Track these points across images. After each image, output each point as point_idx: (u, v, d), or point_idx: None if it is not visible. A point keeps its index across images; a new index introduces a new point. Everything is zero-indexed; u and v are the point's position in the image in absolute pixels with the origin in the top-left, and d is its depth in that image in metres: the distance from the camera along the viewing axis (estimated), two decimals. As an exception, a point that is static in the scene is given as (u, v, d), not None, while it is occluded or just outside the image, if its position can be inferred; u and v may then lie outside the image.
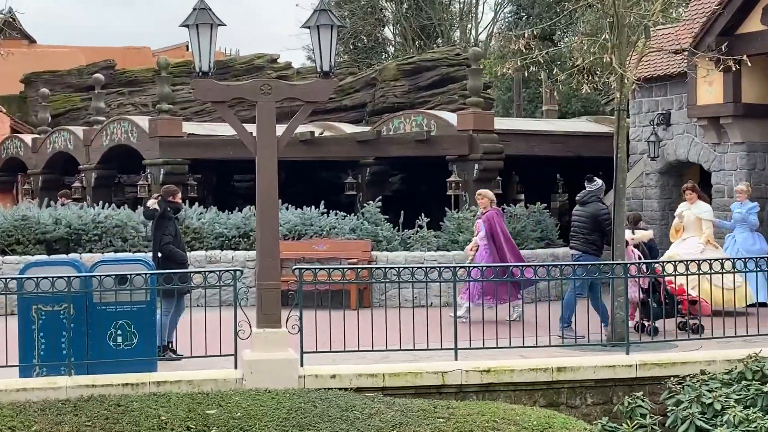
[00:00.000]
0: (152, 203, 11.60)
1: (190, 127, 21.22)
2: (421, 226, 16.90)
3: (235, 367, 9.36)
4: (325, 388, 9.05)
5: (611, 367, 9.98)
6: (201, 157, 20.28)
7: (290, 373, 9.23)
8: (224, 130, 19.69)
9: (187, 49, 38.29)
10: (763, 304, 13.50)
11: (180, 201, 11.70)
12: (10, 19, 20.89)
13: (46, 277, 9.12)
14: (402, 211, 17.21)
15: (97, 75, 24.90)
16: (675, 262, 11.10)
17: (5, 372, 9.19)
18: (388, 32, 41.83)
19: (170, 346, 10.75)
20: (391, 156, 20.47)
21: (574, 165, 20.82)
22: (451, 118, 19.46)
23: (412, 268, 10.15)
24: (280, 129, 9.74)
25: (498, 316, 11.10)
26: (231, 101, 10.09)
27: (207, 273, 10.09)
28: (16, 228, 16.13)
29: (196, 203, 18.16)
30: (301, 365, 9.43)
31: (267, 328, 9.36)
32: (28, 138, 26.33)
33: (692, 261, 11.03)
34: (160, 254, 11.13)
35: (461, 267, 10.58)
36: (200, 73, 9.61)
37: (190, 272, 10.01)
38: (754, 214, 14.68)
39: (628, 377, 9.97)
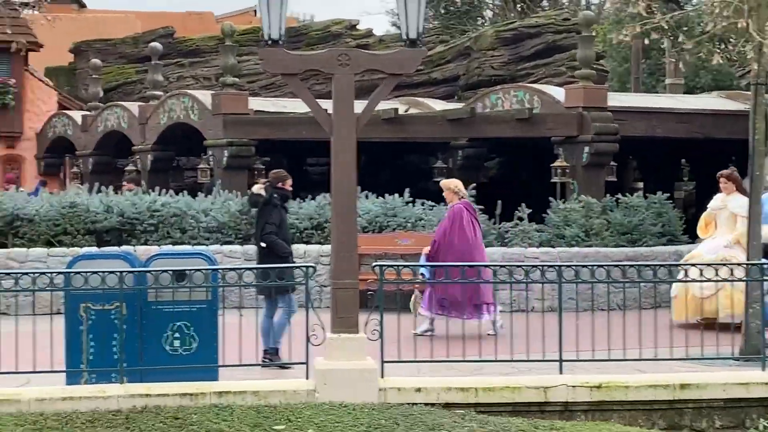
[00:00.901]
0: (258, 189, 11.90)
1: (257, 104, 21.41)
2: (521, 219, 16.80)
3: (307, 377, 9.43)
4: (408, 403, 9.07)
5: (744, 385, 9.82)
6: (269, 138, 20.45)
7: (369, 385, 9.27)
8: (296, 106, 19.84)
9: (255, 15, 38.85)
10: None
11: (290, 188, 11.90)
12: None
13: (95, 272, 9.30)
14: (499, 201, 17.13)
15: (154, 44, 25.26)
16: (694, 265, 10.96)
17: (50, 378, 9.41)
18: (485, -6, 41.66)
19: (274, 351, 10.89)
20: (487, 137, 20.38)
21: (703, 148, 20.45)
22: (558, 93, 19.28)
23: (511, 266, 10.10)
24: (360, 106, 9.77)
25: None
26: (304, 74, 10.15)
27: (276, 269, 10.16)
28: (64, 216, 16.50)
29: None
30: (382, 376, 9.46)
31: (343, 334, 9.41)
32: (77, 115, 26.89)
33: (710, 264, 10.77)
34: (262, 244, 11.34)
35: (568, 266, 10.49)
36: (270, 42, 9.69)
37: (268, 267, 10.08)
38: None
39: (764, 396, 9.79)
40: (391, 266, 10.13)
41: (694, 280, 11.18)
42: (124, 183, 21.26)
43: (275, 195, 11.58)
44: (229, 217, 16.90)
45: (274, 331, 10.90)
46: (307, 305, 9.44)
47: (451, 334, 10.32)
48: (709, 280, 10.62)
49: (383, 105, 17.13)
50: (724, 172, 14.39)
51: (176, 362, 9.53)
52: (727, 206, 14.02)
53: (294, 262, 11.53)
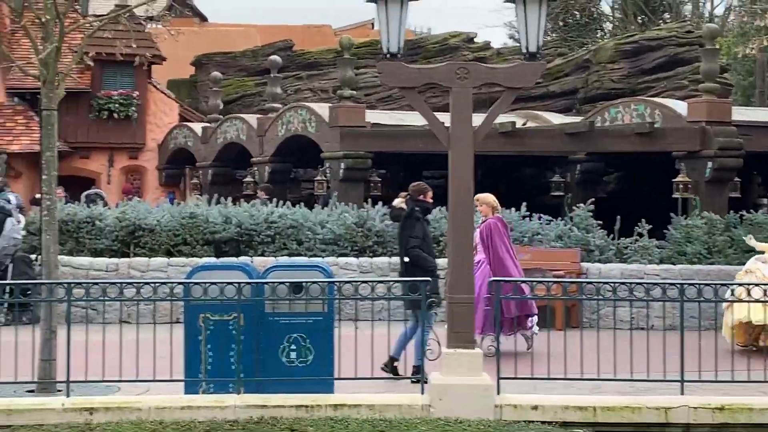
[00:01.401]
0: (399, 202, 11.89)
1: (374, 116, 21.51)
2: (641, 234, 16.54)
3: (422, 392, 9.41)
4: (525, 421, 8.98)
5: None
6: (386, 150, 20.52)
7: (485, 401, 9.20)
8: (412, 119, 19.86)
9: (373, 28, 39.09)
10: None
11: (430, 200, 11.89)
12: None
13: (214, 283, 9.42)
14: (618, 216, 16.90)
15: (273, 57, 25.58)
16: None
17: (169, 386, 9.57)
18: (605, 6, 41.24)
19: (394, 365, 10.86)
20: (606, 151, 20.12)
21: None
22: (680, 107, 18.97)
23: (631, 283, 9.93)
24: (477, 119, 9.73)
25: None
26: (421, 87, 10.15)
27: (391, 283, 10.17)
28: (183, 227, 16.79)
29: (380, 202, 18.40)
30: (498, 393, 9.39)
31: (459, 349, 9.37)
32: (197, 127, 27.39)
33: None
34: (406, 259, 11.34)
35: (690, 284, 10.27)
36: (388, 55, 9.71)
37: (374, 281, 10.10)
38: None
39: None
40: (508, 281, 10.05)
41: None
42: (258, 191, 21.61)
43: (416, 208, 11.56)
44: (345, 230, 16.98)
45: (400, 343, 10.82)
46: (422, 320, 9.42)
47: (557, 351, 10.19)
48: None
49: (501, 118, 17.03)
50: None
51: (292, 374, 9.59)
52: None
53: (439, 276, 11.48)
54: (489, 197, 13.70)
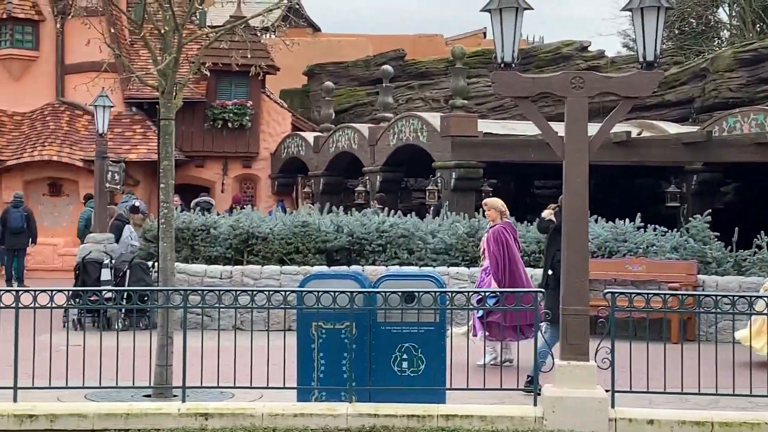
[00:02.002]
0: (548, 214, 11.79)
1: (486, 126, 21.48)
2: (759, 247, 16.19)
3: (535, 404, 9.34)
4: (639, 435, 8.84)
5: None
6: (497, 160, 20.44)
7: (599, 414, 9.09)
8: (524, 128, 19.77)
9: (484, 37, 39.02)
10: None
11: None
12: (296, 6, 22.07)
13: (327, 291, 9.49)
14: (736, 228, 16.56)
15: (385, 66, 25.73)
16: None
17: (282, 393, 9.66)
18: (722, 14, 40.47)
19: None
20: (723, 161, 19.74)
21: None
22: (801, 116, 18.52)
23: (751, 297, 9.72)
24: (591, 128, 9.63)
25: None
26: (534, 96, 10.08)
27: (504, 294, 10.13)
28: (296, 235, 16.96)
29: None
30: (612, 406, 9.27)
31: (572, 361, 9.27)
32: (309, 136, 27.67)
33: None
34: (550, 272, 11.26)
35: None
36: (502, 65, 9.68)
37: (486, 291, 10.08)
38: None
39: None
40: (623, 293, 9.91)
41: None
42: (372, 200, 21.80)
43: None
44: (456, 239, 16.96)
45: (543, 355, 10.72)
46: (536, 330, 9.36)
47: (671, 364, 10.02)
48: None
49: (615, 127, 16.80)
50: None
51: (403, 383, 9.59)
52: None
53: None
54: (497, 202, 13.56)
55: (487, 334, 11.93)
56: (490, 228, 13.24)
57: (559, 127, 9.76)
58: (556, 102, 21.91)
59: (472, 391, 9.74)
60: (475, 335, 12.30)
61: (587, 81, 9.61)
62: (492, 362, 12.06)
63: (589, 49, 32.07)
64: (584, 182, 9.56)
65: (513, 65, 9.69)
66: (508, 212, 13.42)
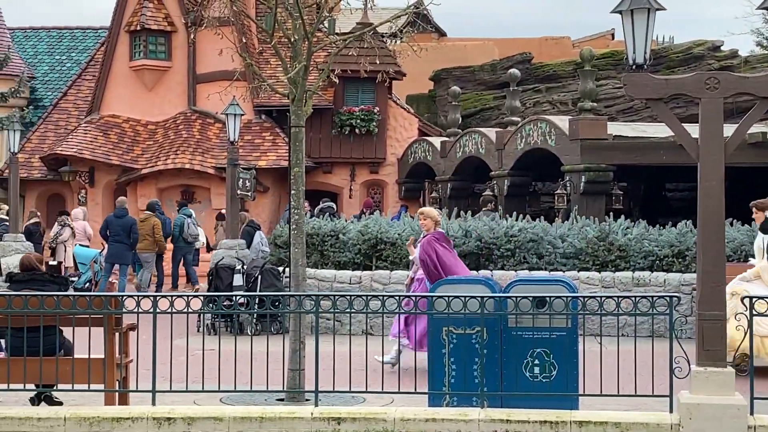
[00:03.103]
0: None
1: (615, 128, 21.21)
2: None
3: (670, 411, 9.18)
4: (780, 444, 8.61)
5: None
6: (627, 163, 20.19)
7: (738, 422, 8.88)
8: (655, 130, 19.48)
9: (613, 38, 38.54)
10: None
11: None
12: (424, 12, 22.16)
13: (457, 297, 9.49)
14: None
15: (512, 70, 25.62)
16: None
17: (413, 399, 9.69)
18: None
19: None
20: None
21: None
22: None
23: None
24: (726, 129, 9.43)
25: None
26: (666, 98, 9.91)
27: (637, 298, 9.97)
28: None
29: (621, 216, 18.10)
30: (751, 413, 9.05)
31: (709, 367, 9.09)
32: (436, 141, 27.70)
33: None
34: None
35: None
36: (633, 66, 9.55)
37: (618, 296, 9.92)
38: None
39: None
40: (763, 298, 9.68)
41: None
42: (486, 205, 21.76)
43: None
44: (586, 244, 16.78)
45: None
46: (671, 336, 9.20)
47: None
48: None
49: (750, 128, 16.45)
50: (757, 201, 13.50)
51: (535, 389, 9.53)
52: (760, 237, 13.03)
53: None
54: (433, 212, 13.57)
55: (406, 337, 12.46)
56: (423, 237, 13.28)
57: (691, 129, 9.58)
58: (687, 103, 21.51)
59: (606, 397, 9.61)
60: (395, 336, 12.61)
61: (722, 81, 9.41)
62: (389, 362, 12.06)
63: (722, 48, 31.39)
64: (720, 185, 9.37)
65: (645, 67, 9.56)
66: (441, 222, 13.65)
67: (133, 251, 22.26)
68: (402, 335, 12.71)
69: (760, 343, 11.85)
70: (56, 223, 26.15)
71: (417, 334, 12.72)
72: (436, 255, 12.93)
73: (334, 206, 24.10)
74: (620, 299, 9.72)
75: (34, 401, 10.21)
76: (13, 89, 28.79)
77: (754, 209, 13.67)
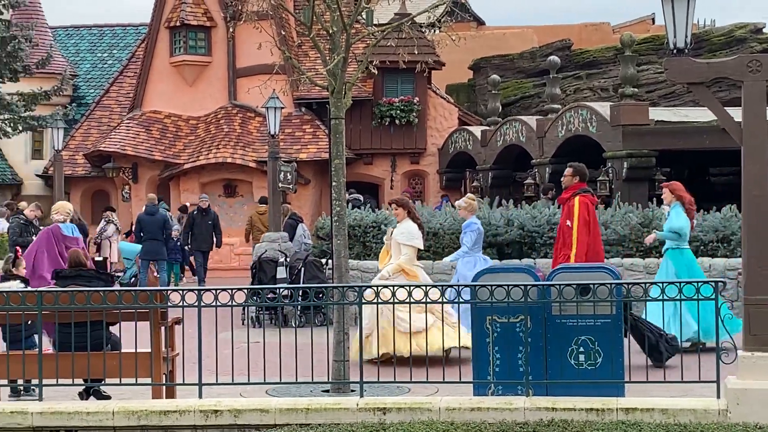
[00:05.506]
0: None
1: (657, 113, 21.06)
2: None
3: (717, 396, 9.12)
4: (829, 429, 8.53)
5: None
6: (670, 148, 20.03)
7: (786, 407, 8.81)
8: (697, 115, 19.31)
9: (653, 23, 38.21)
10: None
11: None
12: (462, 0, 22.07)
13: (500, 285, 9.47)
14: None
15: (552, 57, 25.46)
16: None
17: (458, 388, 9.69)
18: None
19: None
20: None
21: None
22: None
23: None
24: (769, 112, 9.33)
25: None
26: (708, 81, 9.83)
27: (682, 284, 9.88)
28: (466, 230, 16.93)
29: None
30: (800, 398, 8.97)
31: (756, 352, 9.01)
32: (477, 130, 27.64)
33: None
34: None
35: None
36: (674, 51, 9.50)
37: (663, 282, 9.86)
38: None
39: None
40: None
41: None
42: (544, 194, 21.66)
43: None
44: (629, 230, 16.67)
45: None
46: (717, 321, 9.14)
47: None
48: None
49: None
50: (396, 198, 13.79)
51: (580, 376, 9.49)
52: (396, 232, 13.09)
53: None
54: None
55: None
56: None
57: (734, 113, 9.50)
58: (730, 87, 21.32)
59: (652, 383, 9.57)
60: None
61: (764, 64, 9.31)
62: None
63: (764, 30, 31.04)
64: (764, 168, 9.27)
65: (686, 51, 9.50)
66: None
67: (168, 246, 22.32)
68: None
69: None
70: (102, 220, 26.41)
71: None
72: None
73: (361, 198, 24.06)
74: (665, 285, 9.66)
75: (83, 396, 10.32)
76: (56, 87, 29.05)
77: (394, 205, 13.70)
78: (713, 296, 9.26)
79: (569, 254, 12.33)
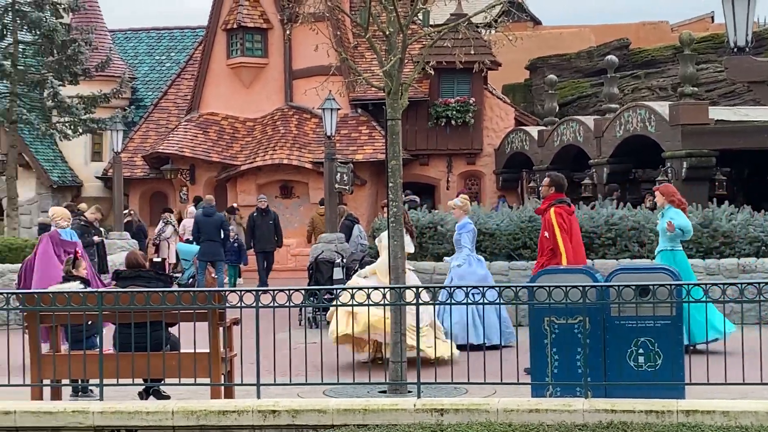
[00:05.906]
0: None
1: (717, 113, 20.84)
2: None
3: (778, 399, 9.01)
4: None
5: None
6: (730, 148, 19.82)
7: None
8: (758, 114, 19.09)
9: (712, 21, 37.82)
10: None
11: None
12: (519, 0, 21.97)
13: (558, 286, 9.42)
14: None
15: (609, 57, 25.30)
16: None
17: (516, 389, 9.66)
18: None
19: None
20: None
21: None
22: None
23: None
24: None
25: None
26: (769, 80, 9.74)
27: (743, 285, 9.78)
28: (523, 231, 16.88)
29: (726, 202, 17.78)
30: None
31: (819, 354, 8.89)
32: (533, 130, 27.51)
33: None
34: None
35: None
36: (735, 49, 9.39)
37: (724, 283, 9.75)
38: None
39: None
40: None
41: None
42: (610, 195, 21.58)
43: None
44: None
45: None
46: (759, 322, 9.03)
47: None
48: None
49: None
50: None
51: (640, 378, 9.41)
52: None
53: None
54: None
55: None
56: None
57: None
58: (791, 85, 21.06)
59: (712, 386, 9.47)
60: None
61: (828, 61, 9.20)
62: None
63: (826, 28, 30.63)
64: (827, 167, 9.16)
65: (746, 49, 9.39)
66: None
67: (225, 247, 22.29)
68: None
69: None
70: (160, 221, 26.65)
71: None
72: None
73: (417, 199, 24.01)
74: (726, 286, 9.56)
75: (143, 395, 10.42)
76: (115, 90, 29.36)
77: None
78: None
79: (543, 262, 12.31)
